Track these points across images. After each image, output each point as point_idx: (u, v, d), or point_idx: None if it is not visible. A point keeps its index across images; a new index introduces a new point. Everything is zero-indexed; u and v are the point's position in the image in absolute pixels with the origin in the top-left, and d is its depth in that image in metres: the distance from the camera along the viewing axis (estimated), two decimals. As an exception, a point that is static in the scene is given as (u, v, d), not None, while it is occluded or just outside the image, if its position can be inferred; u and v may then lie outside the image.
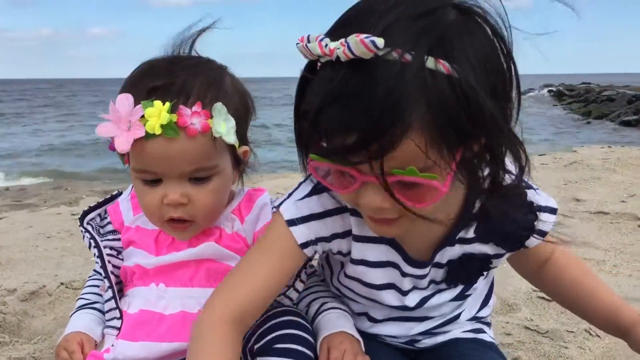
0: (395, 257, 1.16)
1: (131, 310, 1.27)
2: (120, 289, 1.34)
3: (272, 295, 1.14)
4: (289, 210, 1.12)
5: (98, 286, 1.41)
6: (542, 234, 1.16)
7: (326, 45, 0.86)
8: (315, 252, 1.16)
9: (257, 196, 1.35)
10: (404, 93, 0.81)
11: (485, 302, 1.38)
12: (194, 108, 1.10)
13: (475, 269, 1.19)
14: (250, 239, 1.30)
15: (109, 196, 1.46)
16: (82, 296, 1.43)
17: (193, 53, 1.28)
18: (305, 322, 1.22)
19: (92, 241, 1.34)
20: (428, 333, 1.32)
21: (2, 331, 1.80)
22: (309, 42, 0.89)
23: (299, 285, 1.29)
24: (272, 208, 1.28)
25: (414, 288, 1.21)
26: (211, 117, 1.13)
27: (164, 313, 1.24)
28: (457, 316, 1.32)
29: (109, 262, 1.33)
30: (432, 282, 1.21)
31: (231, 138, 1.16)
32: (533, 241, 1.18)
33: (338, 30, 0.89)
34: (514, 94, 0.93)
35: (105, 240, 1.37)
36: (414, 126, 0.82)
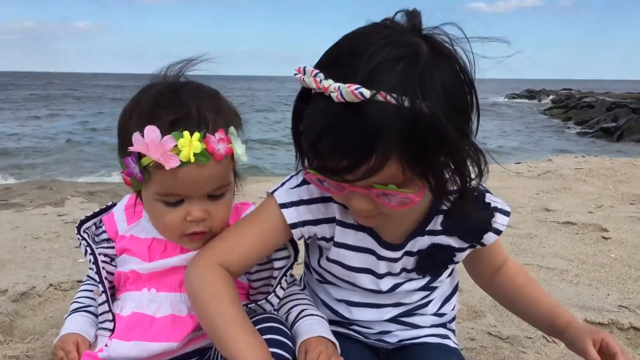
0: (372, 244, 1.34)
1: (124, 313, 1.39)
2: (112, 293, 1.46)
3: (250, 262, 1.35)
4: (281, 196, 1.32)
5: (91, 291, 1.53)
6: (498, 232, 1.37)
7: (320, 81, 1.04)
8: (302, 235, 1.34)
9: (243, 209, 1.48)
10: (387, 128, 1.00)
11: (448, 299, 1.53)
12: (217, 135, 1.23)
13: (440, 260, 1.38)
14: None
15: (104, 207, 1.58)
16: (76, 300, 1.55)
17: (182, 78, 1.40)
18: (285, 328, 1.34)
19: (88, 248, 1.46)
20: (400, 321, 1.47)
21: (-4, 331, 1.90)
22: (304, 74, 1.08)
23: (280, 292, 1.41)
24: (266, 194, 1.41)
25: (388, 274, 1.38)
26: (230, 141, 1.26)
27: (154, 316, 1.37)
28: (425, 304, 1.48)
29: (103, 268, 1.44)
30: (403, 269, 1.38)
31: (245, 157, 1.32)
32: (490, 238, 1.37)
33: (331, 68, 1.06)
34: (473, 114, 1.12)
35: (100, 247, 1.48)
36: (394, 155, 1.02)
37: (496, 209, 1.35)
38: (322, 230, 1.34)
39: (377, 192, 1.09)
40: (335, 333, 1.42)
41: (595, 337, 1.39)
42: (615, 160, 6.08)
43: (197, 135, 1.21)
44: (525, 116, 24.50)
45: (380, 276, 1.38)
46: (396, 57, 1.02)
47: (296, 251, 1.45)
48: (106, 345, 1.36)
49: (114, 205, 1.57)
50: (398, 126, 1.00)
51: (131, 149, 1.22)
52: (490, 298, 2.16)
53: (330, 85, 1.02)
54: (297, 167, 1.27)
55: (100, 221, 1.54)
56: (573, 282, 2.55)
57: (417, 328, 1.49)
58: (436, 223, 1.33)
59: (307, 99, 1.11)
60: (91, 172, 10.23)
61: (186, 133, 1.20)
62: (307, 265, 1.54)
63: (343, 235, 1.34)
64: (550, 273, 2.66)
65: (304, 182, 1.31)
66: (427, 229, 1.34)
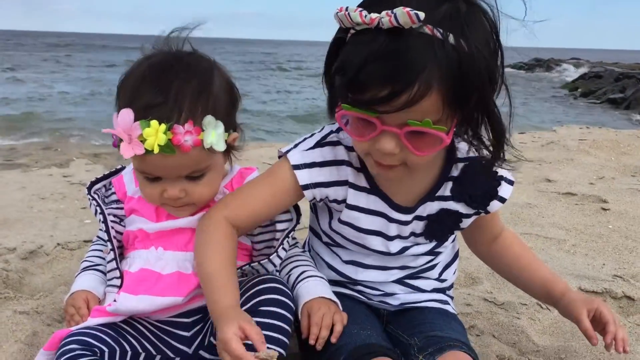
0: (383, 207, 1.39)
1: (132, 269, 1.45)
2: (120, 253, 1.52)
3: (259, 220, 1.42)
4: (295, 157, 1.36)
5: (101, 250, 1.59)
6: (502, 200, 1.41)
7: (366, 15, 1.08)
8: (314, 197, 1.39)
9: (247, 174, 1.53)
10: (430, 60, 1.06)
11: (449, 265, 1.59)
12: (186, 127, 1.26)
13: (448, 225, 1.43)
14: None
15: (113, 169, 1.63)
16: (86, 259, 1.61)
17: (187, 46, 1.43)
18: (286, 289, 1.39)
19: (97, 208, 1.51)
20: (404, 283, 1.52)
21: (5, 287, 1.95)
22: (348, 11, 1.11)
23: (282, 253, 1.46)
24: (278, 154, 1.45)
25: (398, 236, 1.43)
26: (202, 130, 1.28)
27: (161, 273, 1.43)
28: (429, 269, 1.53)
29: (112, 228, 1.50)
30: (412, 233, 1.43)
31: (220, 146, 1.32)
32: (494, 205, 1.42)
33: (372, 7, 1.10)
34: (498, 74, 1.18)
35: (109, 208, 1.54)
36: (434, 87, 1.07)
37: (502, 178, 1.39)
38: (335, 192, 1.38)
39: (409, 130, 1.12)
40: (339, 294, 1.48)
41: (589, 306, 1.44)
42: (619, 132, 6.08)
43: (163, 126, 1.24)
44: (531, 85, 24.26)
45: (390, 238, 1.43)
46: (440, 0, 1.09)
47: (298, 214, 1.50)
48: (114, 300, 1.41)
49: (123, 168, 1.61)
50: (441, 59, 1.05)
51: (104, 131, 1.31)
52: (488, 267, 2.22)
53: (381, 14, 1.06)
54: (328, 114, 1.31)
55: (110, 183, 1.59)
56: (570, 252, 2.59)
57: (420, 292, 1.54)
58: (446, 189, 1.38)
59: (342, 40, 1.17)
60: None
61: (153, 123, 1.24)
62: (313, 230, 1.59)
63: (355, 197, 1.38)
64: (548, 242, 2.70)
65: (318, 145, 1.37)
66: (437, 194, 1.38)
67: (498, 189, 1.39)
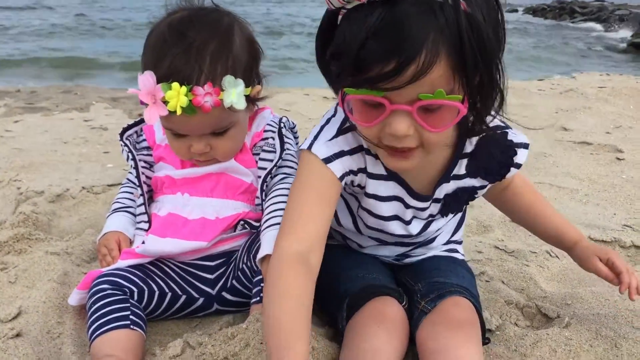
0: (401, 192, 1.37)
1: (161, 213, 1.54)
2: (150, 197, 1.61)
3: (326, 229, 1.25)
4: (322, 150, 1.27)
5: (131, 193, 1.69)
6: (518, 166, 1.39)
7: None
8: (346, 183, 1.32)
9: (259, 112, 1.61)
10: (433, 25, 1.00)
11: (458, 227, 1.63)
12: (206, 88, 1.31)
13: (463, 200, 1.43)
14: (249, 143, 1.58)
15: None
16: (118, 200, 1.71)
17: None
18: None
19: (129, 154, 1.59)
20: (410, 254, 1.59)
21: (36, 229, 2.04)
22: None
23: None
24: (299, 149, 1.36)
25: (414, 217, 1.44)
26: (222, 90, 1.33)
27: (187, 218, 1.51)
28: (441, 233, 1.57)
29: (143, 173, 1.58)
30: (430, 215, 1.44)
31: (241, 104, 1.36)
32: (512, 173, 1.40)
33: None
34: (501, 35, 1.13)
35: (140, 154, 1.61)
36: (442, 54, 1.01)
37: (518, 145, 1.35)
38: (361, 178, 1.34)
39: (422, 105, 1.05)
40: (344, 246, 1.54)
41: (602, 255, 1.48)
42: (640, 79, 5.98)
43: (184, 89, 1.29)
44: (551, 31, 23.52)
45: (408, 222, 1.43)
46: None
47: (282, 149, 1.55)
48: (143, 242, 1.50)
49: None
50: (443, 23, 0.99)
51: (130, 91, 1.37)
52: (500, 214, 2.27)
53: None
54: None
55: (141, 130, 1.67)
56: (582, 202, 2.63)
57: (431, 250, 1.60)
58: (461, 167, 1.35)
59: (333, 24, 1.13)
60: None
61: (174, 85, 1.29)
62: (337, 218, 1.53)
63: (374, 187, 1.36)
64: (561, 192, 2.74)
65: (340, 133, 1.29)
66: (452, 174, 1.36)
67: (514, 158, 1.35)
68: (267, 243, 1.33)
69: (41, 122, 3.86)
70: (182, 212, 1.52)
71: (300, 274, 1.15)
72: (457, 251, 1.64)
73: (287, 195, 1.43)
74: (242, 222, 1.55)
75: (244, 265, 1.52)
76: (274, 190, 1.50)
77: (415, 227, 1.45)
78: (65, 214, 2.29)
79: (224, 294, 1.55)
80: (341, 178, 1.28)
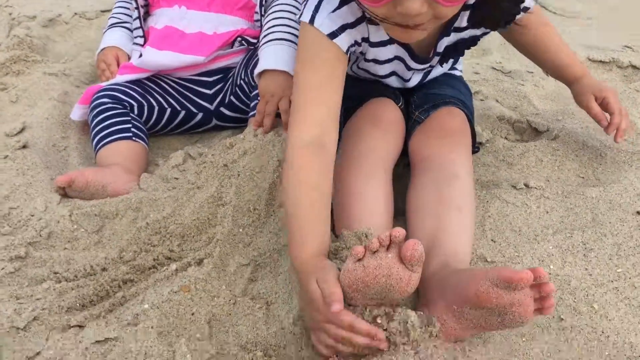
0: (402, 52, 1.31)
1: (158, 26, 1.53)
2: (146, 11, 1.58)
3: (338, 110, 1.19)
4: (326, 24, 1.17)
5: (128, 8, 1.65)
6: (526, 9, 1.30)
7: None
8: (351, 53, 1.24)
9: None
10: None
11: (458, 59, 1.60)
12: None
13: (464, 48, 1.37)
14: None
15: None
16: (113, 15, 1.69)
17: None
18: None
19: None
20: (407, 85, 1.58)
21: (32, 51, 2.03)
22: None
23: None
24: (299, 20, 1.24)
25: (414, 74, 1.41)
26: None
27: (185, 31, 1.51)
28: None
29: None
30: (429, 65, 1.39)
31: None
32: (520, 17, 1.32)
33: None
34: None
35: None
36: None
37: None
38: (363, 47, 1.27)
39: None
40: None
41: (598, 94, 1.46)
42: None
43: None
44: None
45: (407, 80, 1.41)
46: None
47: None
48: (140, 55, 1.50)
49: None
50: None
51: None
52: (500, 38, 2.23)
53: None
54: None
55: None
56: (585, 25, 2.58)
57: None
58: (462, 20, 1.26)
59: None
60: None
61: None
62: None
63: (374, 53, 1.30)
64: (563, 19, 2.67)
65: (342, 3, 1.18)
66: (453, 26, 1.27)
67: (522, 4, 1.22)
68: (265, 58, 1.34)
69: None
70: (179, 25, 1.51)
71: (315, 162, 1.12)
72: (455, 68, 1.63)
73: (286, 11, 1.42)
74: (239, 39, 1.54)
75: (241, 81, 1.54)
76: (273, 6, 1.47)
77: (413, 81, 1.44)
78: (59, 39, 2.26)
79: (222, 109, 1.59)
80: (347, 51, 1.20)
